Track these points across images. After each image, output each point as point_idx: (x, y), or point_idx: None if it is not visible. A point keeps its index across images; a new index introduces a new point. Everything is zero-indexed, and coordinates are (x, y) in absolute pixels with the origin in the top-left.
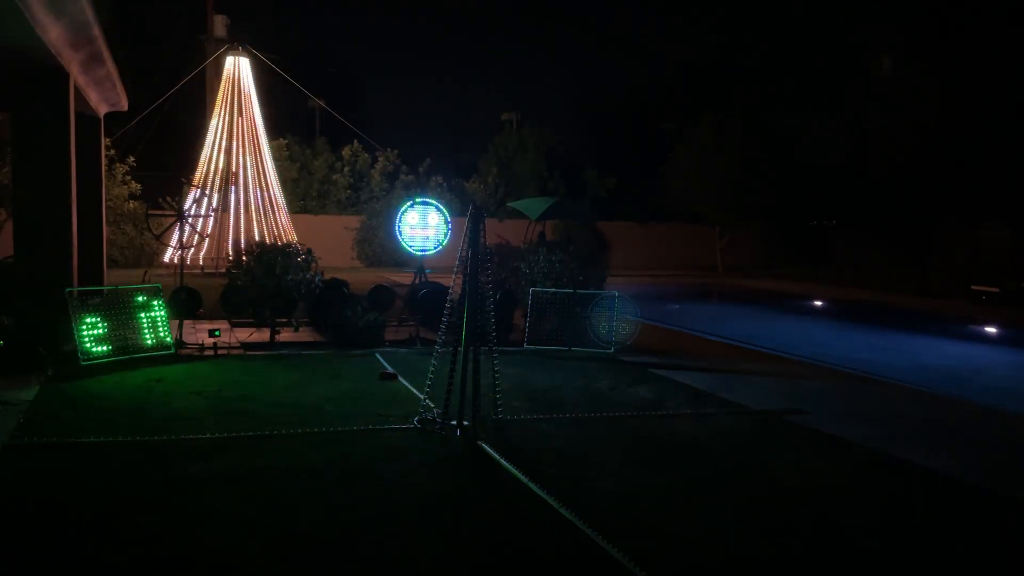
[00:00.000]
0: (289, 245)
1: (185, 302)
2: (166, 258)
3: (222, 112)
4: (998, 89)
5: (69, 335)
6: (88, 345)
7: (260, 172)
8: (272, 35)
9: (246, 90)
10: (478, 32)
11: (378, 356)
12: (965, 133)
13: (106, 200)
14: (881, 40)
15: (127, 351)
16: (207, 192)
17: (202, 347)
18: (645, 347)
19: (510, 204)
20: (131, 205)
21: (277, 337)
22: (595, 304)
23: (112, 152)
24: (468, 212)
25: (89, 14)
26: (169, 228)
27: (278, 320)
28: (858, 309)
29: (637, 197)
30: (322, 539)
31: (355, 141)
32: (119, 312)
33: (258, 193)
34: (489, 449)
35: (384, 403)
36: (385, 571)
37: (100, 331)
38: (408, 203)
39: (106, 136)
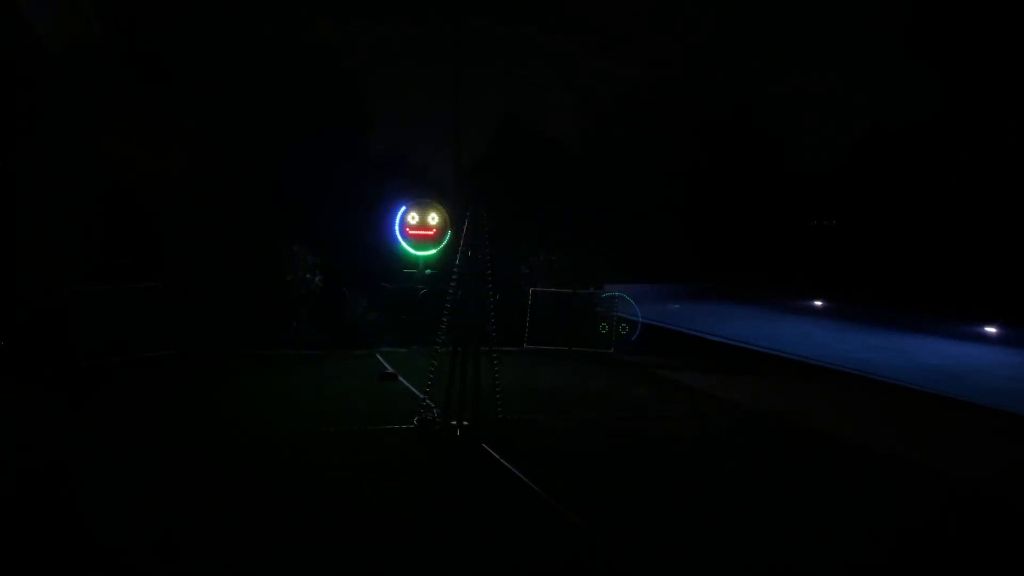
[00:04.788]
0: (289, 245)
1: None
2: None
3: None
4: (999, 88)
5: (69, 335)
6: (88, 346)
7: None
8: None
9: None
10: (479, 31)
11: (378, 356)
12: (966, 133)
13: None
14: (881, 37)
15: (127, 352)
16: None
17: (203, 347)
18: (645, 347)
19: (512, 204)
20: None
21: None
22: (595, 304)
23: None
24: (467, 212)
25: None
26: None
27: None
28: (855, 311)
29: (639, 196)
30: (323, 537)
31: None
32: (120, 312)
33: None
34: (489, 449)
35: (384, 403)
36: (386, 569)
37: (100, 332)
38: (408, 202)
39: None
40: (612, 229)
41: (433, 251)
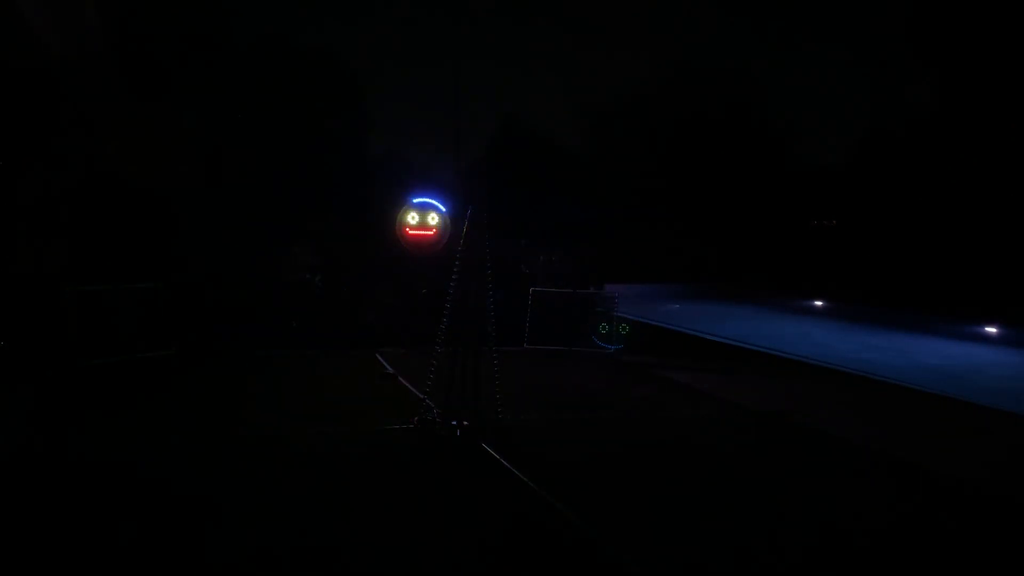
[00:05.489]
0: (289, 244)
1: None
2: None
3: None
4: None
5: (69, 335)
6: (88, 346)
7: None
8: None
9: None
10: (479, 30)
11: (378, 356)
12: (965, 133)
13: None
14: (882, 37)
15: (127, 351)
16: None
17: (203, 347)
18: (645, 347)
19: (511, 204)
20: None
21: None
22: (595, 304)
23: None
24: (467, 212)
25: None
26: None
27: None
28: (855, 311)
29: (640, 196)
30: (323, 537)
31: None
32: (119, 312)
33: None
34: (489, 449)
35: (384, 403)
36: (387, 568)
37: (100, 332)
38: (407, 202)
39: None
40: (612, 229)
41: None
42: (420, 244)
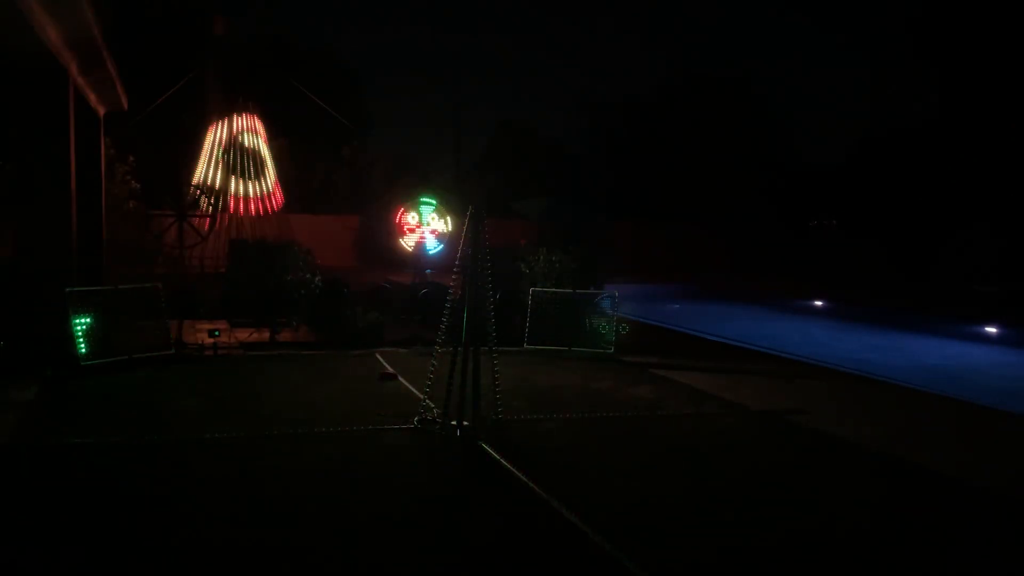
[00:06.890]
0: (289, 244)
1: (185, 302)
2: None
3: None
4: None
5: (69, 335)
6: (88, 345)
7: (260, 170)
8: (271, 30)
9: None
10: (479, 30)
11: (378, 356)
12: (964, 133)
13: (106, 200)
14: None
15: (127, 351)
16: (207, 192)
17: (202, 347)
18: (645, 347)
19: (512, 204)
20: (131, 205)
21: (277, 337)
22: (594, 304)
23: (112, 152)
24: (468, 212)
25: (89, 14)
26: (169, 228)
27: (278, 320)
28: (855, 311)
29: (640, 196)
30: (324, 538)
31: (355, 141)
32: (119, 312)
33: (258, 192)
34: (489, 449)
35: (384, 403)
36: (386, 569)
37: (100, 331)
38: (407, 201)
39: (106, 135)
40: (613, 228)
41: (433, 251)
42: (420, 244)
